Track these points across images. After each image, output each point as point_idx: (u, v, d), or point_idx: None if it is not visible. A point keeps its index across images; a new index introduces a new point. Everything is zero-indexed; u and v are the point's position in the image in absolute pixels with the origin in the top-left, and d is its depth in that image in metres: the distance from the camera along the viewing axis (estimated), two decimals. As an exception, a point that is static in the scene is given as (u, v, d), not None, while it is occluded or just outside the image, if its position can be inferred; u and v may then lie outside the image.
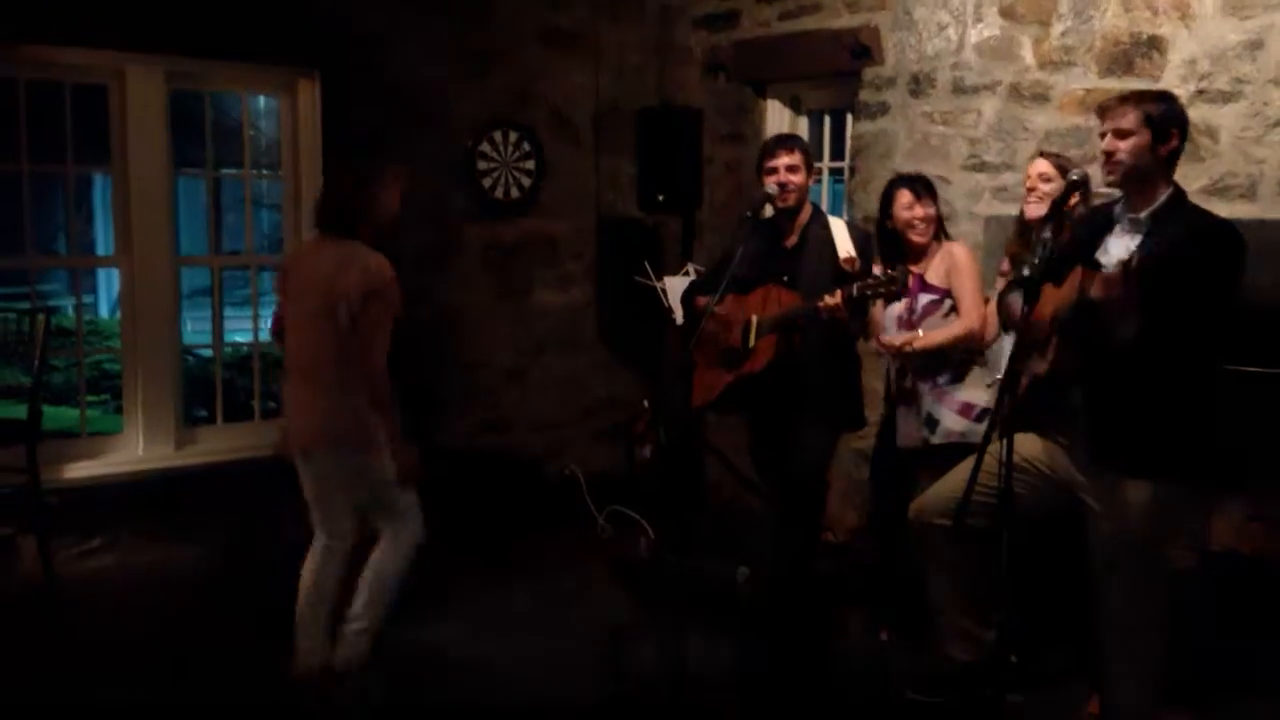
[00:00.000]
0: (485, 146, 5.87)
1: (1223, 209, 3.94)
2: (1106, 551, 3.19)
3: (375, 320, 3.41)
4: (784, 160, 4.12)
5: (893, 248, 4.17)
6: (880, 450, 4.30)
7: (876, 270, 4.00)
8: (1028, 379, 3.18)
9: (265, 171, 6.08)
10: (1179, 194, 3.17)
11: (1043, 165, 4.06)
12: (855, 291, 3.79)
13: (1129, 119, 3.12)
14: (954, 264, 4.06)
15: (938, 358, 4.05)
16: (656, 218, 6.00)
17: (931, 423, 4.06)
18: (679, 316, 4.89)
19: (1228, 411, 3.58)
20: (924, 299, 4.09)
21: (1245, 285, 3.03)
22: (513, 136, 5.95)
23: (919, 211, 4.10)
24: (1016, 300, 3.34)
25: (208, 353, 6.63)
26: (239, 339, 7.07)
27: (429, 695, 3.92)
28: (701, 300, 4.23)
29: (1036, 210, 3.98)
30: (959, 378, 4.05)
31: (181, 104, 5.39)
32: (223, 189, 8.38)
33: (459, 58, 5.76)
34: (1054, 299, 3.17)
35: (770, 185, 4.12)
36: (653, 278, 5.47)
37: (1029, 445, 3.32)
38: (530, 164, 6.02)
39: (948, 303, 4.07)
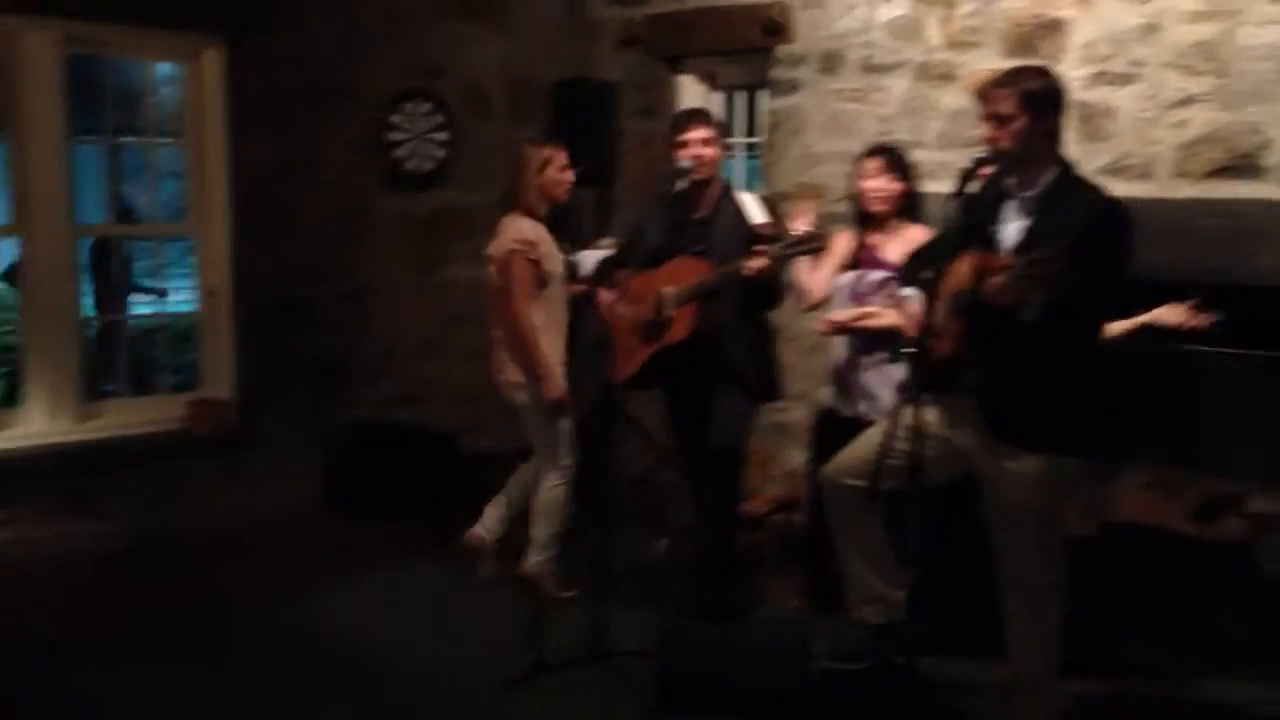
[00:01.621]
0: (397, 118, 5.77)
1: (1121, 188, 4.03)
2: (1001, 520, 3.27)
3: (514, 273, 4.27)
4: (697, 134, 4.12)
5: (859, 216, 4.12)
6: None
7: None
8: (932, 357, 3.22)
9: (168, 140, 5.88)
10: (1066, 171, 3.19)
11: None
12: (778, 250, 3.79)
13: (1008, 103, 3.12)
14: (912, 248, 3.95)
15: (883, 335, 4.02)
16: (572, 191, 5.92)
17: (870, 398, 4.07)
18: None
19: (1129, 386, 3.71)
20: (876, 275, 4.03)
21: (1142, 263, 3.11)
22: (424, 108, 5.85)
23: (874, 183, 4.02)
24: (912, 303, 3.40)
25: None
26: (143, 310, 6.86)
27: (341, 666, 3.88)
28: (605, 296, 4.30)
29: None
30: (901, 356, 4.01)
31: (82, 70, 5.18)
32: (124, 157, 8.09)
33: (371, 27, 5.64)
34: (951, 279, 3.21)
35: (684, 159, 4.11)
36: (567, 251, 5.43)
37: (930, 415, 3.36)
38: (443, 135, 5.92)
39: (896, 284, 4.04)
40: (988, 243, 3.21)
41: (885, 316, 3.95)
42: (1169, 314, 3.71)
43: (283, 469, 5.44)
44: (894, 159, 4.06)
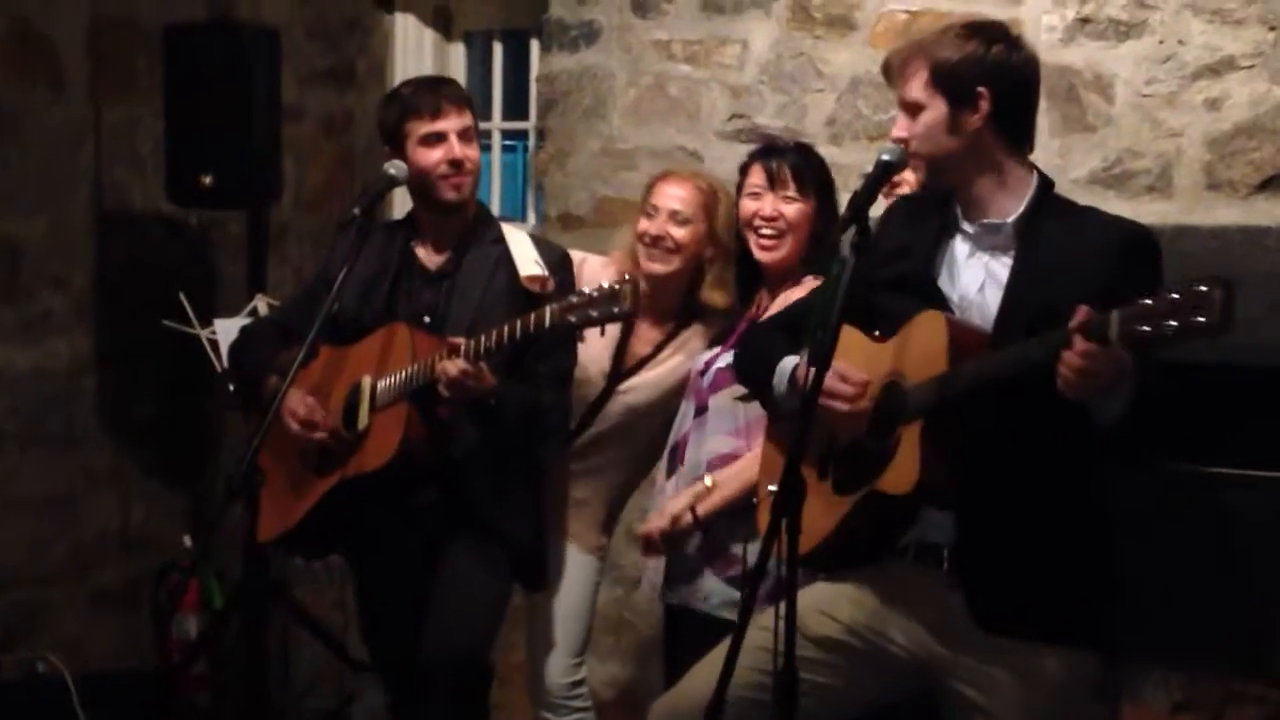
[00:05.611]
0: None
1: (1119, 208, 4.20)
2: None
3: None
4: (454, 122, 4.17)
5: (747, 265, 4.25)
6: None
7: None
8: (856, 498, 3.27)
9: None
10: (1046, 184, 3.32)
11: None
12: (551, 319, 3.82)
13: (915, 83, 3.25)
14: None
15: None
16: (202, 214, 5.96)
17: (679, 566, 4.20)
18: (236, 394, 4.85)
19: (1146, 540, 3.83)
20: (724, 359, 4.12)
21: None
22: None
23: (766, 206, 4.12)
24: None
25: None
26: None
27: None
28: (274, 382, 4.18)
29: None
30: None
31: None
32: None
33: None
34: (882, 359, 3.29)
35: (429, 160, 4.16)
36: (194, 321, 5.41)
37: (842, 603, 3.41)
38: (-31, 118, 5.83)
39: None
40: (932, 303, 3.30)
41: (734, 484, 4.03)
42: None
43: None
44: (793, 164, 4.17)
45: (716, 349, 4.24)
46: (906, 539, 3.30)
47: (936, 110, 3.24)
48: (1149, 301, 2.79)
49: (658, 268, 4.30)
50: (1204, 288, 2.69)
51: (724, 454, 4.12)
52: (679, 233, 4.28)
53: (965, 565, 3.24)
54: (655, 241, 4.30)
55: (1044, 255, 3.24)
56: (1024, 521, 3.22)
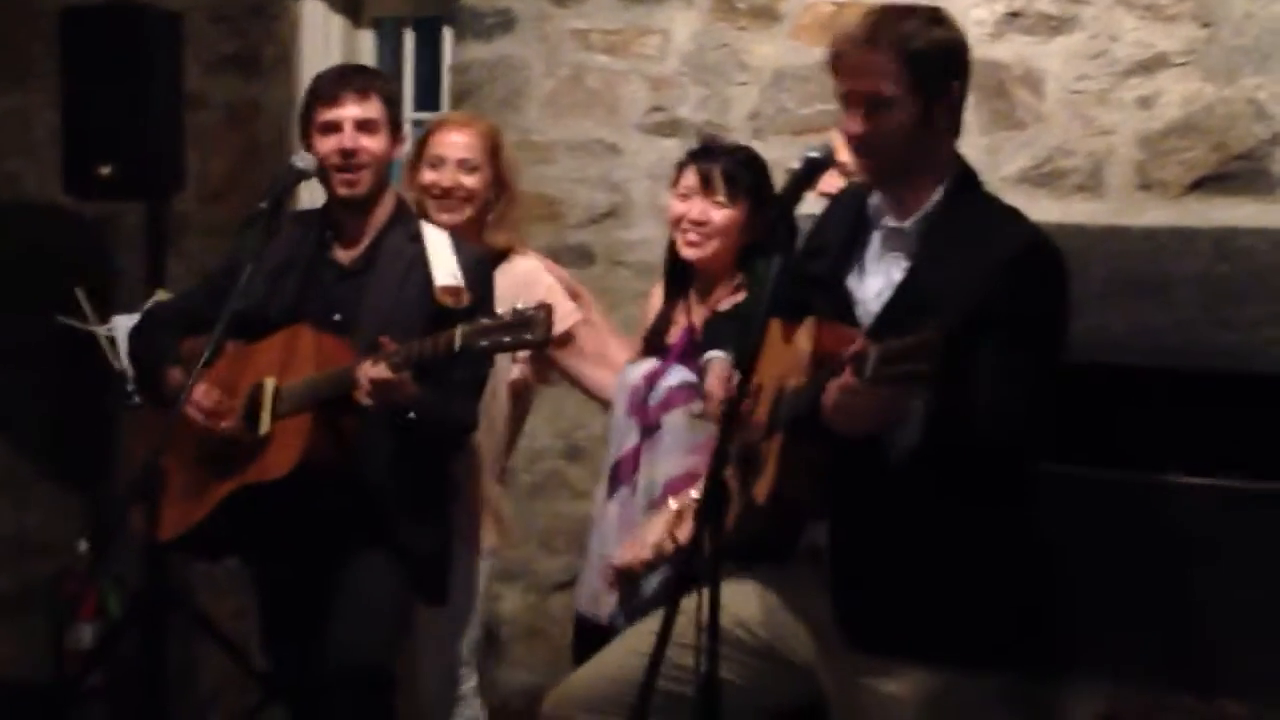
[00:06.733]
0: None
1: (1050, 209, 4.24)
2: None
3: None
4: (352, 111, 4.11)
5: (679, 271, 4.21)
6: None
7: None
8: (739, 503, 3.26)
9: None
10: (964, 181, 3.26)
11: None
12: (460, 341, 3.78)
13: (886, 75, 3.11)
14: None
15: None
16: (99, 206, 5.90)
17: (631, 588, 4.11)
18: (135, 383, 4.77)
19: (1070, 548, 3.80)
20: (675, 376, 4.08)
21: (1083, 333, 3.19)
22: None
23: (695, 209, 4.05)
24: (722, 366, 3.40)
25: None
26: None
27: None
28: (176, 375, 4.13)
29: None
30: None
31: None
32: None
33: None
34: (779, 363, 3.27)
35: (324, 150, 4.11)
36: (91, 317, 5.35)
37: (741, 601, 3.36)
38: None
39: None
40: (839, 304, 3.27)
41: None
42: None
43: None
44: (727, 168, 4.09)
45: (652, 363, 4.16)
46: (804, 540, 3.28)
47: (910, 106, 3.12)
48: (905, 340, 2.75)
49: (450, 218, 4.36)
50: (932, 333, 2.70)
51: (683, 474, 4.03)
52: (470, 180, 4.42)
53: (834, 576, 3.21)
54: (447, 193, 4.40)
55: (937, 263, 3.16)
56: (893, 539, 3.17)
